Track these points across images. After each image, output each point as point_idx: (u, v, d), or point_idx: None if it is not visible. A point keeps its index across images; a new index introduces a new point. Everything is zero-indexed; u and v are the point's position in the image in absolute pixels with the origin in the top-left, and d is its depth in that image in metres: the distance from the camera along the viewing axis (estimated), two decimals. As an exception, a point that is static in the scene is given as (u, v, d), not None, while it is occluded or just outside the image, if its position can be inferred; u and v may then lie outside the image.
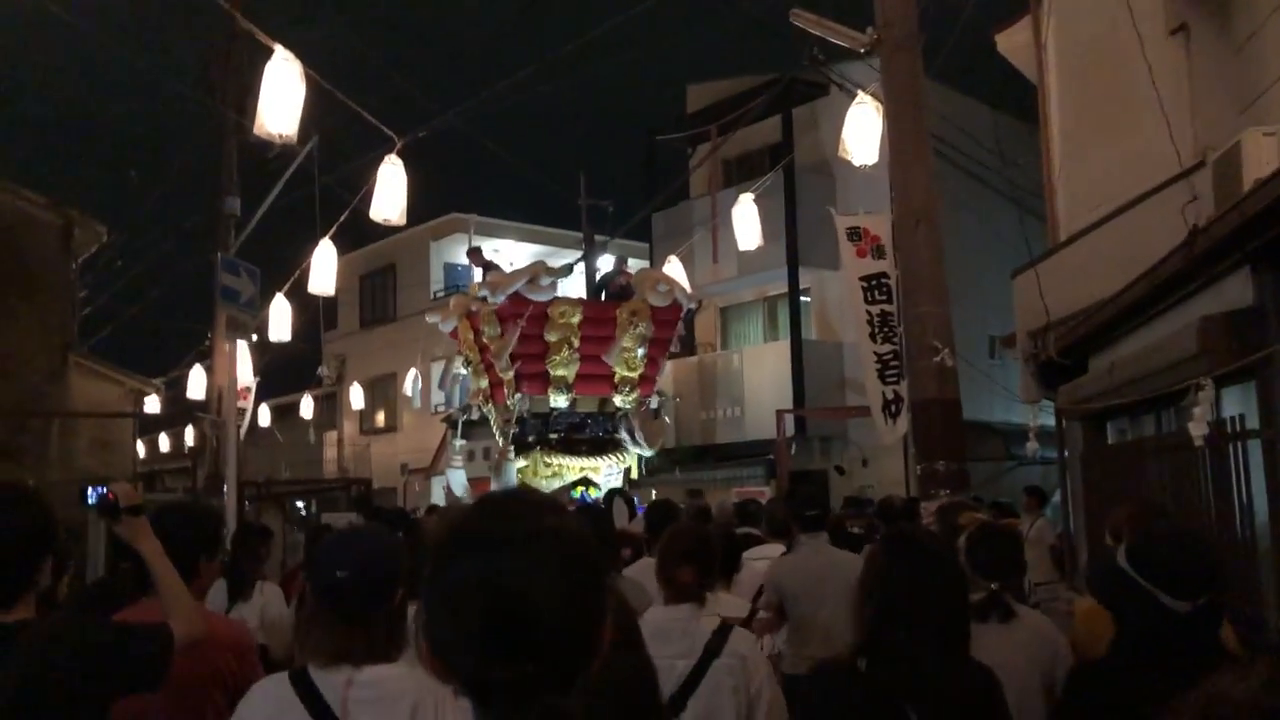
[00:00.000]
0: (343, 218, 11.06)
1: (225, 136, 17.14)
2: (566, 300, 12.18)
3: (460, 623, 1.07)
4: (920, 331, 7.15)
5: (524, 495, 1.20)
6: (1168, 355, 4.47)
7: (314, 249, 11.62)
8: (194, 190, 17.98)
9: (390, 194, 9.39)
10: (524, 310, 11.63)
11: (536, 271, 12.02)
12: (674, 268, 13.03)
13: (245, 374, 16.26)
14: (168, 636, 2.34)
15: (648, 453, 12.89)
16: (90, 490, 2.54)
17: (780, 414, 14.43)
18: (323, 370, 18.05)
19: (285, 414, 25.30)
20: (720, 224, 16.10)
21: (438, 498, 22.18)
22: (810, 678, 2.45)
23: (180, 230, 17.90)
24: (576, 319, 11.81)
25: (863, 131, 8.12)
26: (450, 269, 25.34)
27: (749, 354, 17.21)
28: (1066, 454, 7.71)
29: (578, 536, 1.13)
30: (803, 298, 17.01)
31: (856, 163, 8.16)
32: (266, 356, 19.27)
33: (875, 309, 7.56)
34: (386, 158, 9.34)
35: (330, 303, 29.54)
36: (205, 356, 17.22)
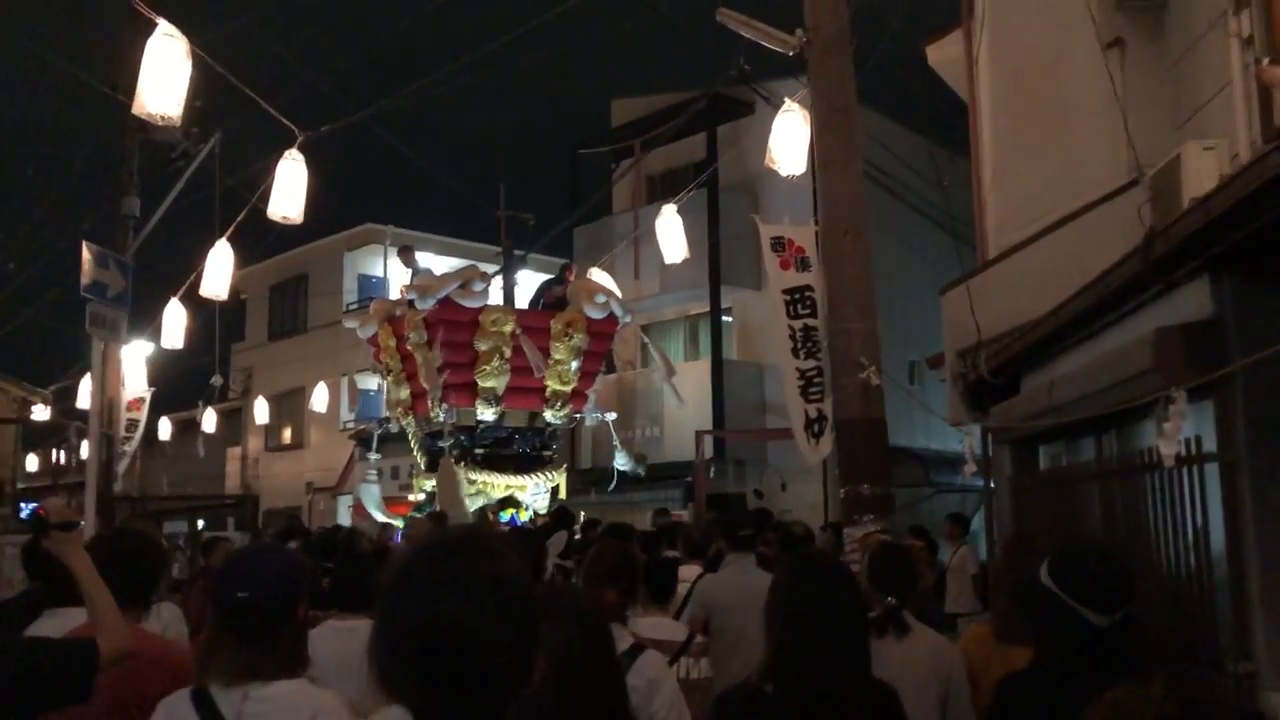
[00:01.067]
0: (241, 216, 10.43)
1: (126, 132, 16.34)
2: (499, 308, 11.49)
3: (402, 659, 1.19)
4: (846, 347, 6.78)
5: (466, 539, 1.31)
6: (1118, 371, 4.15)
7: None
8: (91, 190, 17.04)
9: (290, 190, 8.80)
10: (454, 317, 10.94)
11: (470, 276, 11.27)
12: (597, 279, 12.57)
13: (137, 383, 15.40)
14: (91, 651, 2.36)
15: (630, 466, 12.52)
16: (22, 505, 2.64)
17: (700, 435, 14.04)
18: (216, 379, 17.21)
19: (189, 428, 24.23)
20: (642, 239, 15.75)
21: (344, 518, 21.35)
22: (717, 703, 2.47)
23: (76, 231, 16.91)
24: (509, 328, 11.13)
25: (790, 140, 7.75)
26: (365, 281, 24.53)
27: (669, 373, 16.80)
28: (993, 481, 7.41)
29: (514, 580, 1.24)
30: (725, 318, 16.70)
31: (784, 173, 7.80)
32: (159, 364, 18.34)
33: (798, 323, 7.13)
34: (287, 152, 8.78)
35: (238, 313, 28.67)
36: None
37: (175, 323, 12.97)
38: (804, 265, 7.16)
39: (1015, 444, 6.54)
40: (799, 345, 7.16)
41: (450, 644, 1.16)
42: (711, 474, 14.76)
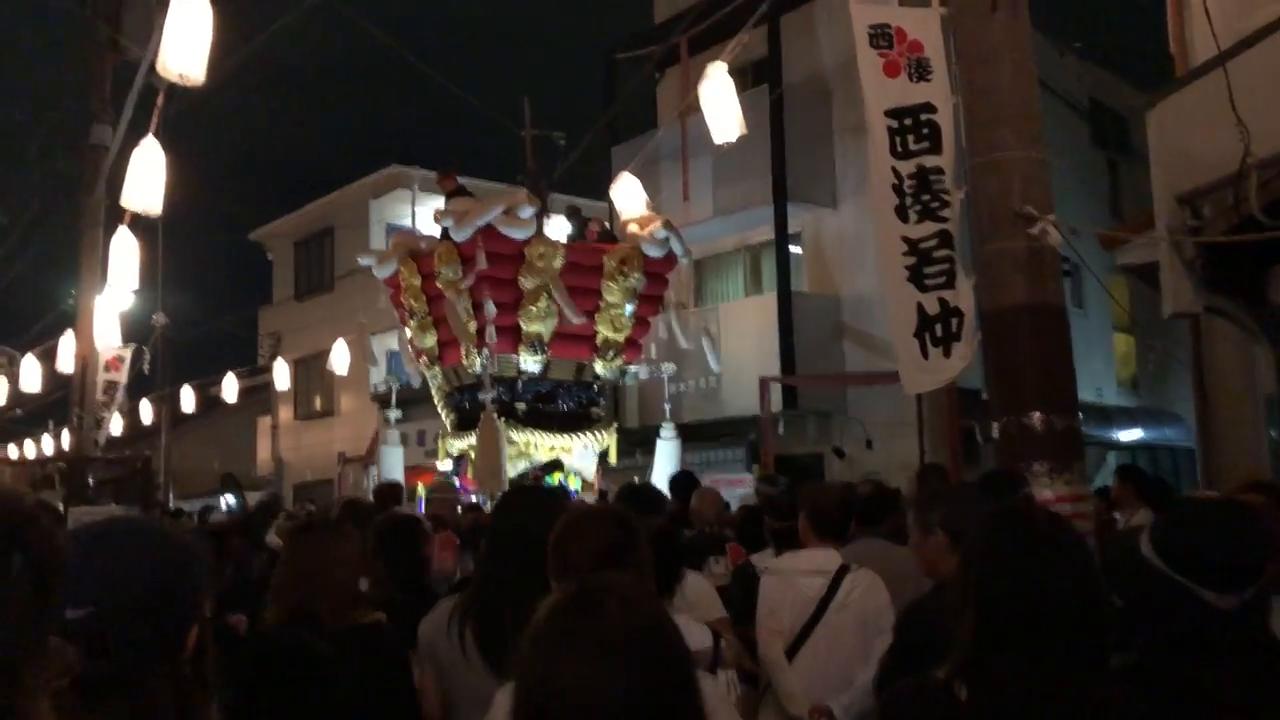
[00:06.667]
0: (161, 102, 8.05)
1: (94, 53, 14.36)
2: (548, 240, 9.88)
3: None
4: (999, 189, 4.17)
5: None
6: None
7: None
8: (67, 122, 15.14)
9: (187, 39, 6.47)
10: (496, 249, 9.28)
11: (515, 200, 9.64)
12: (630, 185, 10.13)
13: (110, 336, 13.22)
14: None
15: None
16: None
17: (765, 382, 11.49)
18: (159, 318, 15.36)
19: (217, 402, 22.39)
20: (693, 155, 13.23)
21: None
22: (890, 703, 1.79)
23: (52, 171, 14.92)
24: (558, 263, 9.52)
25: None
26: (392, 230, 22.33)
27: (726, 311, 14.18)
28: (1215, 406, 4.79)
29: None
30: (793, 247, 14.05)
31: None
32: (190, 330, 16.38)
33: (909, 165, 4.50)
34: (183, -15, 6.42)
35: (264, 274, 26.74)
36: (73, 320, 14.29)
37: (125, 257, 10.68)
38: (921, 71, 4.51)
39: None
40: (908, 200, 4.52)
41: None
42: (781, 430, 12.23)
